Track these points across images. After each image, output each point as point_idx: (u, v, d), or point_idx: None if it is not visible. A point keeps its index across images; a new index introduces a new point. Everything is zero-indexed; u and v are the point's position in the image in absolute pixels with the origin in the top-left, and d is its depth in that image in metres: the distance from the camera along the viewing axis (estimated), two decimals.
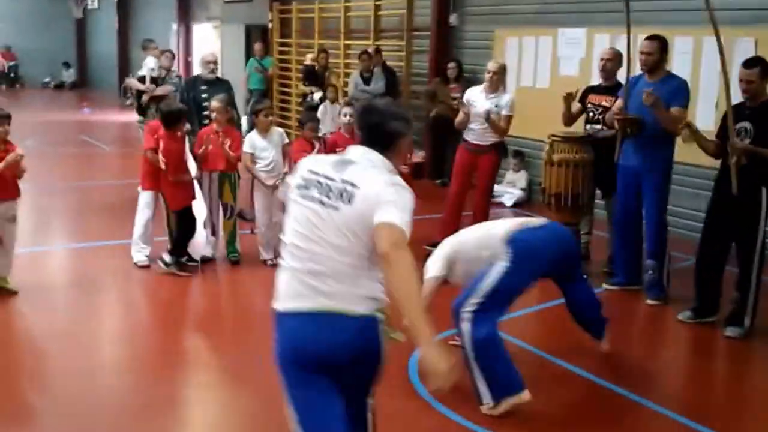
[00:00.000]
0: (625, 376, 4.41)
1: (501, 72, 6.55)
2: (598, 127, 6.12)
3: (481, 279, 3.99)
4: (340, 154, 2.74)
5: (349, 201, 2.52)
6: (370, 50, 10.54)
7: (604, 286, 5.92)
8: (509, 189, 9.31)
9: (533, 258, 4.13)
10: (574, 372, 4.43)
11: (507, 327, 5.00)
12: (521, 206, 9.07)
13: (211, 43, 17.43)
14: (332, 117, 9.21)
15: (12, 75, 25.14)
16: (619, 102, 5.66)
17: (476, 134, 6.59)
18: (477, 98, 6.53)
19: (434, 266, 4.25)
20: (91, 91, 24.26)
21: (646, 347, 5.14)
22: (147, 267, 6.06)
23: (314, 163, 2.68)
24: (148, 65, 9.67)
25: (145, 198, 6.10)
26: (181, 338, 5.03)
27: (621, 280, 5.89)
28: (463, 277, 4.21)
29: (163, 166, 5.85)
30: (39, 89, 24.57)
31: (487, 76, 6.57)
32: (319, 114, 8.58)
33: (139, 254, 6.10)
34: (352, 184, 2.53)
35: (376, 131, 2.65)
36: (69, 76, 25.77)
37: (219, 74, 7.88)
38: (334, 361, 2.54)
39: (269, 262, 6.23)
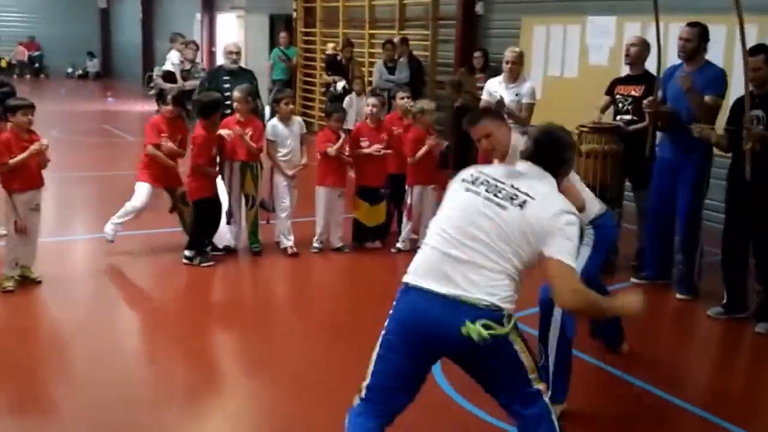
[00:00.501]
0: (653, 372, 4.32)
1: (519, 60, 6.43)
2: (628, 117, 5.99)
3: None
4: (510, 167, 2.83)
5: (521, 206, 2.60)
6: (395, 40, 10.44)
7: (632, 280, 5.82)
8: None
9: (603, 250, 3.92)
10: (601, 368, 4.36)
11: (530, 322, 4.96)
12: None
13: (235, 32, 17.44)
14: (357, 110, 9.14)
15: (36, 65, 25.45)
16: (659, 94, 5.54)
17: None
18: (497, 89, 6.41)
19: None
20: (114, 81, 24.46)
21: (674, 343, 5.03)
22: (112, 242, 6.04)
23: (483, 167, 2.85)
24: (172, 60, 9.72)
25: (145, 189, 6.04)
26: (202, 329, 5.01)
27: (650, 274, 5.78)
28: None
29: (169, 161, 6.04)
30: (63, 79, 24.83)
31: (505, 66, 6.45)
32: (345, 105, 8.50)
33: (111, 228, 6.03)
34: (526, 194, 2.63)
35: (553, 158, 2.82)
36: (93, 66, 25.99)
37: (242, 64, 7.84)
38: (441, 343, 2.59)
39: (290, 251, 6.24)
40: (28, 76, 24.73)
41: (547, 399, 2.69)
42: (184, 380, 4.19)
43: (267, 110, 10.06)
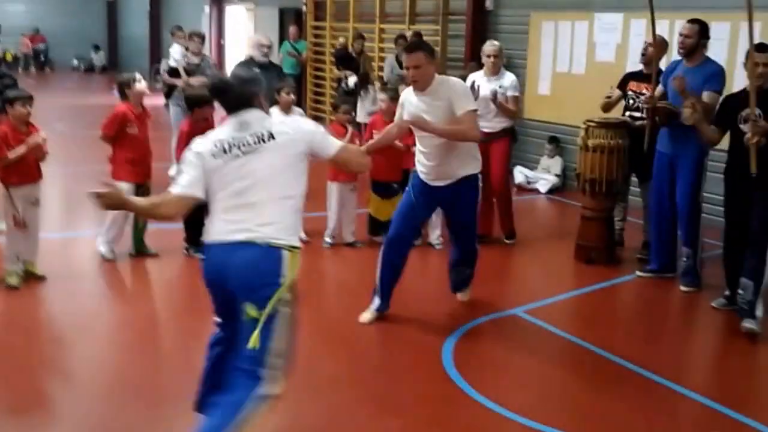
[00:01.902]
0: (659, 362, 4.38)
1: (500, 54, 6.50)
2: (637, 114, 6.07)
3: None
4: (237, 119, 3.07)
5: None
6: (407, 34, 10.50)
7: (638, 273, 5.90)
8: (544, 175, 9.27)
9: None
10: (607, 358, 4.42)
11: (541, 314, 5.08)
12: (556, 192, 9.03)
13: (244, 26, 17.49)
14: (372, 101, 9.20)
15: (42, 58, 25.27)
16: (660, 89, 5.63)
17: (485, 121, 6.31)
18: (480, 82, 6.42)
19: None
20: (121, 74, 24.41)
21: (679, 334, 5.12)
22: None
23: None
24: (173, 54, 9.53)
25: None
26: (205, 324, 4.95)
27: (654, 267, 5.85)
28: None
29: None
30: (69, 72, 24.69)
31: (486, 59, 6.48)
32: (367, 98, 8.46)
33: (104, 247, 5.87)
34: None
35: (240, 99, 3.08)
36: (99, 59, 25.79)
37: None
38: None
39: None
40: (33, 69, 24.61)
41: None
42: (191, 376, 4.16)
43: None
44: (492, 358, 4.42)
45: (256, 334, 2.85)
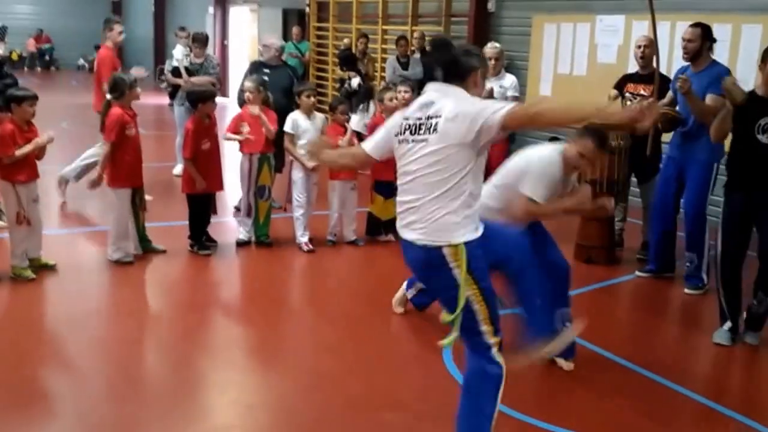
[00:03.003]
0: (659, 362, 4.42)
1: (500, 56, 6.53)
2: None
3: None
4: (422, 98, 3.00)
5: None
6: (415, 35, 10.54)
7: (637, 273, 5.95)
8: None
9: None
10: (606, 357, 4.47)
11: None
12: None
13: (248, 26, 17.55)
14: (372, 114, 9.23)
15: (47, 58, 25.51)
16: (669, 94, 5.63)
17: None
18: None
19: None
20: (126, 74, 24.48)
21: (681, 335, 5.13)
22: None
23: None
24: (176, 55, 9.61)
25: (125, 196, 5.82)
26: (216, 321, 5.05)
27: (654, 267, 5.90)
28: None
29: None
30: (73, 72, 24.85)
31: (489, 62, 6.53)
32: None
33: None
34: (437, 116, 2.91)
35: (452, 66, 2.94)
36: None
37: (254, 58, 7.80)
38: None
39: (305, 247, 6.28)
40: (38, 69, 24.89)
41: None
42: (198, 372, 4.17)
43: None
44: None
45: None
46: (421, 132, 2.91)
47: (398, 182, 3.06)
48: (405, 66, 10.05)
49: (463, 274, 2.88)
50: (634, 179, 6.50)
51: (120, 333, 4.71)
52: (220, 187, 6.21)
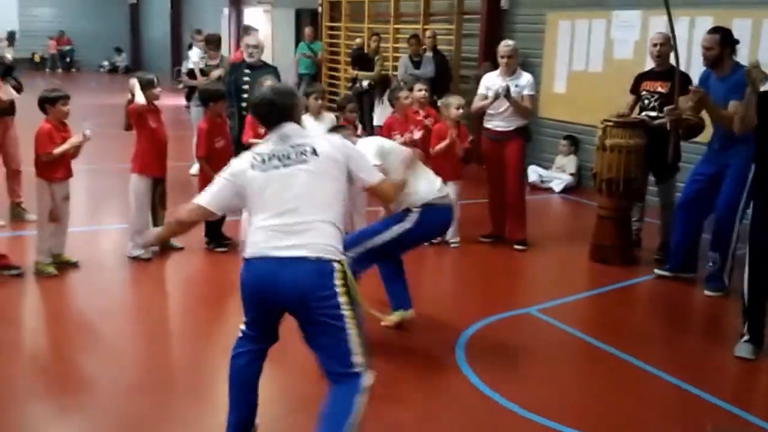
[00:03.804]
0: (676, 364, 4.33)
1: (514, 54, 6.41)
2: (654, 114, 5.99)
3: (375, 234, 4.31)
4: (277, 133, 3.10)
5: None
6: (427, 34, 10.48)
7: (656, 271, 5.83)
8: (558, 174, 9.21)
9: (429, 233, 4.64)
10: (621, 358, 4.37)
11: (554, 313, 5.02)
12: (571, 192, 8.96)
13: (261, 27, 17.57)
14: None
15: (68, 59, 25.97)
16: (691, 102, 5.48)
17: (499, 120, 6.35)
18: (495, 83, 6.36)
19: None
20: (148, 73, 24.66)
21: (699, 336, 5.02)
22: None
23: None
24: (192, 57, 9.70)
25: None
26: (229, 316, 4.97)
27: (674, 267, 5.76)
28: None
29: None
30: (94, 73, 25.19)
31: (501, 60, 6.40)
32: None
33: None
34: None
35: (280, 112, 3.12)
36: (122, 60, 26.43)
37: (270, 59, 7.82)
38: None
39: None
40: (60, 70, 25.29)
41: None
42: (217, 366, 4.11)
43: None
44: (505, 356, 4.39)
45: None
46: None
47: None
48: (417, 65, 9.98)
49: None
50: (651, 178, 6.37)
51: (139, 328, 4.77)
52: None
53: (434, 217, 4.39)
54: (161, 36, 24.24)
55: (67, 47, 25.94)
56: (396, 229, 4.27)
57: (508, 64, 6.34)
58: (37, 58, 25.43)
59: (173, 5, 23.42)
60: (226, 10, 19.19)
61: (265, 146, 3.10)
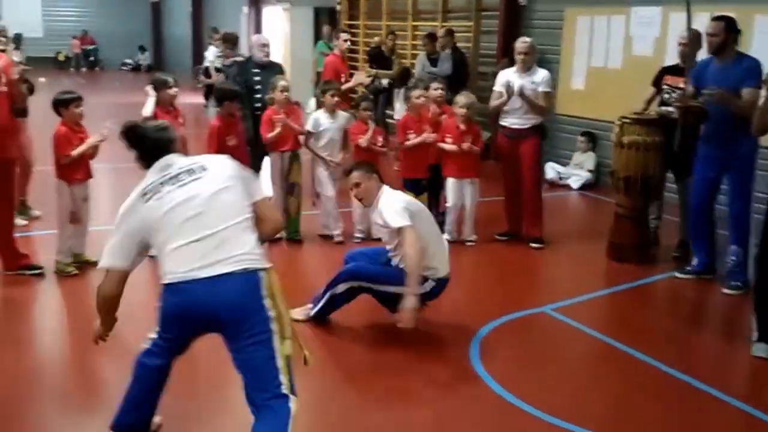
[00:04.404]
0: (694, 364, 4.29)
1: (531, 51, 6.36)
2: (672, 109, 5.93)
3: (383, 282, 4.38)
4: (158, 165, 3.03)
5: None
6: (440, 32, 10.44)
7: (676, 274, 5.73)
8: (576, 171, 9.14)
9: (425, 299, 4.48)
10: (638, 358, 4.32)
11: (570, 312, 4.99)
12: (589, 189, 8.90)
13: (281, 25, 17.62)
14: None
15: (92, 58, 26.27)
16: (690, 88, 5.45)
17: (514, 117, 6.31)
18: (511, 79, 6.32)
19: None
20: (165, 73, 24.84)
21: (718, 336, 4.95)
22: None
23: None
24: (208, 57, 9.77)
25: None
26: None
27: (693, 268, 5.69)
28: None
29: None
30: (117, 72, 25.41)
31: (517, 57, 6.36)
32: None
33: None
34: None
35: (156, 146, 3.08)
36: (144, 59, 26.69)
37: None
38: None
39: (336, 239, 6.34)
40: (84, 69, 25.61)
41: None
42: (229, 363, 4.25)
43: (312, 102, 10.22)
44: (519, 355, 4.37)
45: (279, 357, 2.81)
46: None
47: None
48: (434, 62, 9.95)
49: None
50: (670, 175, 6.31)
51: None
52: None
53: (440, 289, 4.45)
54: (183, 34, 24.39)
55: (91, 47, 26.21)
56: (403, 289, 4.14)
57: (524, 61, 6.30)
58: (61, 58, 25.83)
59: (194, 3, 23.53)
60: (245, 9, 19.26)
61: (149, 179, 2.99)
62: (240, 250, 2.83)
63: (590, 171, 9.07)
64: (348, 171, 4.63)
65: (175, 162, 3.02)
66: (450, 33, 10.27)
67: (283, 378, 2.80)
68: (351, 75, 9.68)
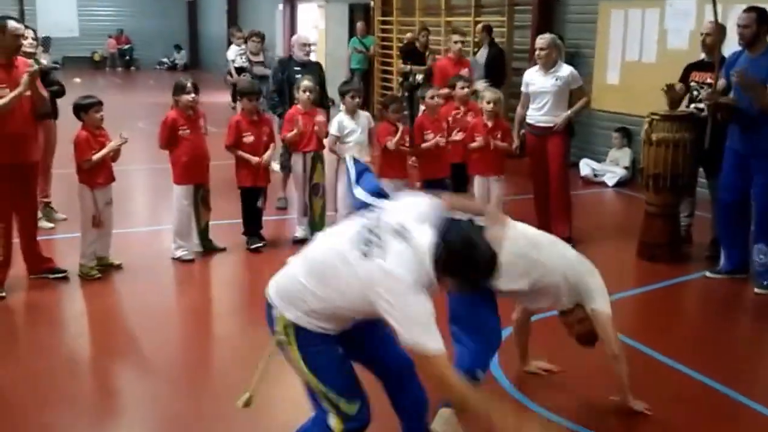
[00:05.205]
0: (723, 369, 4.16)
1: (550, 46, 6.20)
2: (702, 106, 5.79)
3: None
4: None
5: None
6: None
7: (707, 274, 5.61)
8: (612, 168, 9.00)
9: None
10: (663, 362, 4.24)
11: None
12: (625, 185, 8.74)
13: (316, 22, 17.66)
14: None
15: (127, 58, 26.51)
16: (722, 82, 5.33)
17: (541, 114, 6.23)
18: (534, 77, 6.25)
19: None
20: (201, 72, 24.97)
21: (749, 340, 4.83)
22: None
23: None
24: (229, 56, 9.79)
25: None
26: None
27: (724, 267, 5.56)
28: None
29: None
30: (153, 71, 25.61)
31: (537, 53, 6.25)
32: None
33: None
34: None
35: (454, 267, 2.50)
36: (180, 58, 26.86)
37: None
38: None
39: None
40: (119, 69, 25.88)
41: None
42: (252, 366, 4.25)
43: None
44: (540, 358, 4.29)
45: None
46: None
47: None
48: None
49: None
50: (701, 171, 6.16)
51: (180, 329, 4.85)
52: (267, 180, 6.29)
53: None
54: (219, 33, 24.53)
55: (126, 46, 26.43)
56: None
57: (545, 56, 6.16)
58: (97, 57, 26.10)
59: (230, 1, 23.70)
60: (280, 6, 19.34)
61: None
62: (282, 281, 3.07)
63: (626, 168, 8.91)
64: None
65: None
66: (486, 29, 10.15)
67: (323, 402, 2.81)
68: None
